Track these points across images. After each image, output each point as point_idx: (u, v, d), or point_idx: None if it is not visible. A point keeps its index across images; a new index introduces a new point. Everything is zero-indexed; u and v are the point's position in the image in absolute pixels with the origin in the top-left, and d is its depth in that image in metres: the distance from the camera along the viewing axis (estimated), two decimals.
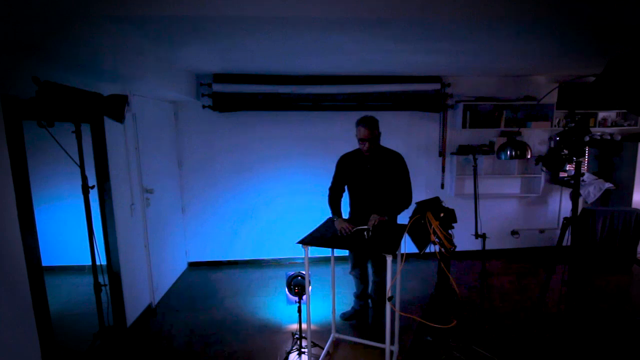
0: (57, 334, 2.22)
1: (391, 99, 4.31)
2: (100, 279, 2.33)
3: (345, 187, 2.97)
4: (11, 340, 1.89)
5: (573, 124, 2.41)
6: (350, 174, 2.86)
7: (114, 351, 2.75)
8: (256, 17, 2.11)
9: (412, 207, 2.40)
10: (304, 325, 2.71)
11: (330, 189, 2.93)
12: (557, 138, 2.53)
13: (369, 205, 2.79)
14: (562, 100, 4.33)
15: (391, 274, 2.16)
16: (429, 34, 2.52)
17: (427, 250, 2.28)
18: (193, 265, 4.62)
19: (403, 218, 2.63)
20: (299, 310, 2.64)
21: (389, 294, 2.16)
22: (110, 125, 2.81)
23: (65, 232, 3.97)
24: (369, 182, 2.79)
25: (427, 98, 4.37)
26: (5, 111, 1.82)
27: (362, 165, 2.79)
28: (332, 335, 2.87)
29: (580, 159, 2.43)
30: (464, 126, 4.35)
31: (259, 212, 4.55)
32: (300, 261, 4.65)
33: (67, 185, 3.83)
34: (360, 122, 2.67)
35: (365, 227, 2.51)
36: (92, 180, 2.26)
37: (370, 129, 2.63)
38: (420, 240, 2.29)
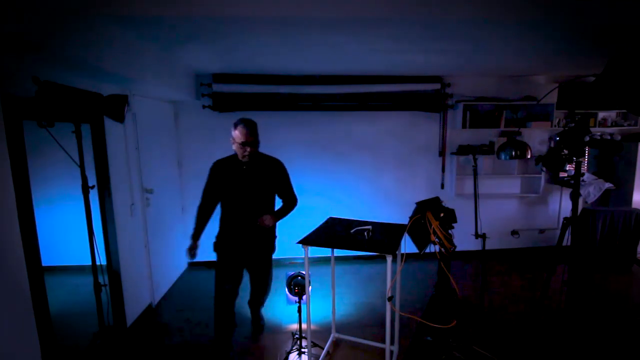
0: (57, 334, 2.22)
1: (391, 99, 4.31)
2: (100, 279, 2.33)
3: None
4: (11, 340, 1.89)
5: (573, 124, 2.42)
6: (225, 180, 2.56)
7: (114, 351, 2.75)
8: (256, 17, 2.11)
9: (410, 206, 2.41)
10: (304, 325, 2.71)
11: (200, 206, 2.62)
12: (557, 138, 2.53)
13: (245, 213, 2.54)
14: (562, 100, 4.32)
15: (391, 274, 2.16)
16: (429, 34, 2.52)
17: (427, 250, 2.29)
18: (193, 265, 4.61)
19: (403, 218, 2.63)
20: (299, 310, 2.64)
21: (388, 294, 2.16)
22: (110, 125, 2.81)
23: (65, 232, 3.98)
24: (246, 188, 2.53)
25: (427, 98, 4.37)
26: (5, 111, 1.82)
27: (238, 170, 2.52)
28: (332, 335, 2.88)
29: (580, 159, 2.43)
30: (464, 126, 4.35)
31: None
32: (300, 261, 4.64)
33: (67, 185, 3.83)
34: (240, 123, 2.41)
35: (366, 227, 2.51)
36: (92, 180, 2.26)
37: (251, 131, 2.41)
38: (420, 240, 2.30)
